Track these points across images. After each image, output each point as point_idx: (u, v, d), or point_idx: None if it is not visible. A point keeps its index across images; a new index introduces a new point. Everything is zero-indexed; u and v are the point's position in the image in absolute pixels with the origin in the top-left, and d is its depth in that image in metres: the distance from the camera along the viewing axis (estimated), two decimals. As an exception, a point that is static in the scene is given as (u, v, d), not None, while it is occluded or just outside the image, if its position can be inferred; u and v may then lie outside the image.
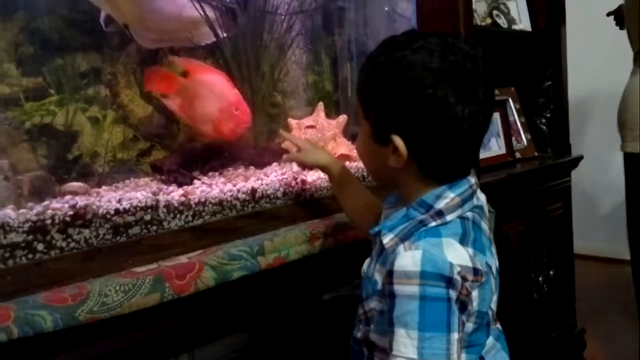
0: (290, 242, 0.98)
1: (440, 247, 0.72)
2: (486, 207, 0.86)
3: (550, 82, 1.99)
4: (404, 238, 0.75)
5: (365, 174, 1.23)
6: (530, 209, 1.72)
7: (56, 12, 1.02)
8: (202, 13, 1.10)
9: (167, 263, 0.84)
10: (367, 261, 0.85)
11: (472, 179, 0.81)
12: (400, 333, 0.69)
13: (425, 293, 0.69)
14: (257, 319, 0.99)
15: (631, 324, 2.37)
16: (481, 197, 0.84)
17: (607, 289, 2.88)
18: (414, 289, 0.69)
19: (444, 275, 0.70)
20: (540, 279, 1.73)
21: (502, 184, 1.60)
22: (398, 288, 0.71)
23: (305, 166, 1.08)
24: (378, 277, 0.78)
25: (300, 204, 1.10)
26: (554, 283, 1.81)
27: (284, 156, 1.07)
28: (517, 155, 1.89)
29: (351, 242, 1.08)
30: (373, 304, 0.79)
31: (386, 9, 1.47)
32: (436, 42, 0.75)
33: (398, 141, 0.75)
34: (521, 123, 1.97)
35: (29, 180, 0.86)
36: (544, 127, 2.02)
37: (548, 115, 2.01)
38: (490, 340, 0.81)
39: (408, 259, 0.71)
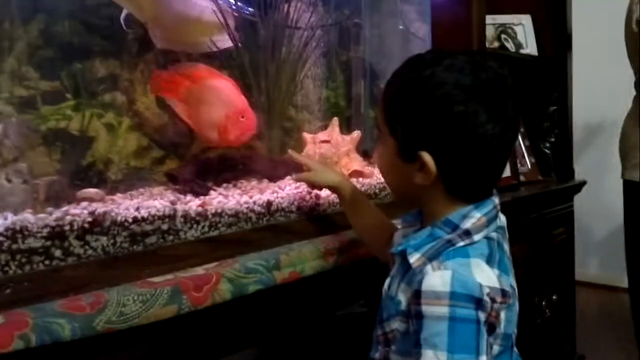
0: (305, 257, 0.97)
1: (469, 268, 0.71)
2: (506, 229, 0.85)
3: (555, 107, 2.01)
4: (431, 258, 0.74)
5: (377, 190, 1.23)
6: (535, 232, 1.72)
7: (76, 16, 1.01)
8: (221, 19, 1.09)
9: (184, 274, 0.82)
10: (387, 281, 0.83)
11: (496, 199, 0.81)
12: (428, 355, 0.68)
13: (455, 314, 0.68)
14: (270, 334, 0.98)
15: (626, 351, 2.37)
16: (502, 218, 0.84)
17: (602, 316, 2.88)
18: (443, 309, 0.68)
19: (473, 296, 0.69)
20: (543, 303, 1.72)
21: (508, 207, 1.59)
22: (426, 309, 0.69)
23: (315, 186, 1.07)
24: (402, 297, 0.76)
25: (314, 219, 1.09)
26: (556, 308, 1.80)
27: (294, 176, 1.06)
28: (522, 178, 1.89)
29: (363, 259, 1.07)
30: (396, 325, 0.77)
31: (401, 27, 1.48)
32: (465, 60, 0.75)
33: (427, 158, 0.74)
34: (525, 146, 1.98)
35: (46, 185, 0.84)
36: (548, 152, 2.03)
37: (552, 139, 2.03)
38: None
39: (437, 279, 0.70)
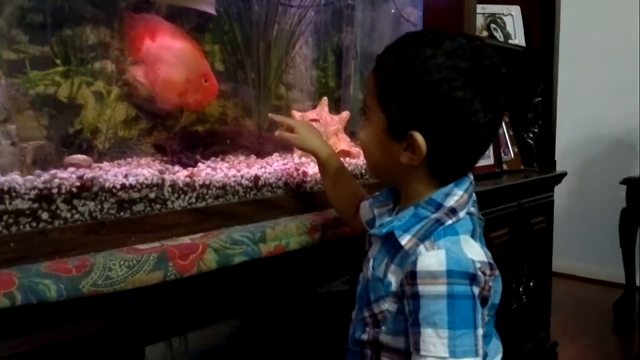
0: (291, 231, 0.98)
1: (459, 245, 0.73)
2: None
3: (540, 99, 2.03)
4: (423, 238, 0.75)
5: (364, 171, 1.24)
6: (515, 220, 1.74)
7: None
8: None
9: (170, 242, 0.83)
10: (370, 262, 0.83)
11: (470, 175, 0.83)
12: (428, 333, 0.69)
13: (454, 292, 0.69)
14: (253, 306, 0.99)
15: (600, 341, 2.44)
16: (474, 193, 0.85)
17: (576, 305, 2.94)
18: (441, 288, 0.69)
19: (468, 272, 0.70)
20: (520, 289, 1.76)
21: (490, 194, 1.62)
22: (423, 289, 0.70)
23: (297, 147, 1.06)
24: (393, 279, 0.77)
25: (300, 195, 1.10)
26: (532, 295, 1.84)
27: (277, 132, 1.04)
28: (504, 167, 1.92)
29: (348, 236, 1.08)
30: (386, 306, 0.78)
31: (393, 11, 1.48)
32: (466, 44, 0.75)
33: (419, 138, 0.75)
34: (509, 136, 2.01)
35: (33, 149, 0.84)
36: (531, 142, 2.06)
37: (536, 130, 2.06)
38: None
39: (432, 259, 0.71)
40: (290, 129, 1.03)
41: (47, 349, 0.72)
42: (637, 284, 2.71)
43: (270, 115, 1.09)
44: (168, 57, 0.97)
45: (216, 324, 0.92)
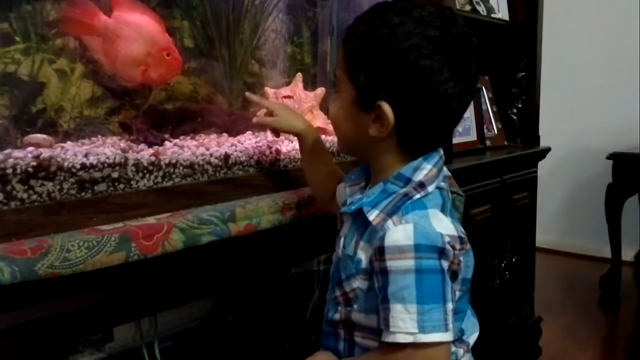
0: (262, 210, 0.96)
1: (428, 219, 0.72)
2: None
3: (523, 74, 2.01)
4: (390, 213, 0.73)
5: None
6: (497, 196, 1.74)
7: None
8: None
9: (134, 223, 0.81)
10: (341, 240, 0.82)
11: (440, 150, 0.81)
12: (397, 309, 0.68)
13: (422, 266, 0.68)
14: (224, 287, 0.97)
15: (585, 316, 2.45)
16: (445, 168, 0.84)
17: (563, 280, 2.96)
18: (409, 262, 0.68)
19: (436, 246, 0.69)
20: (503, 265, 1.76)
21: (471, 170, 1.61)
22: (391, 264, 0.69)
23: (278, 131, 1.03)
24: (363, 256, 0.76)
25: (274, 174, 1.08)
26: (515, 270, 1.84)
27: (255, 118, 1.00)
28: (488, 143, 1.91)
29: (322, 216, 1.06)
30: (357, 283, 0.77)
31: (369, -16, 1.44)
32: (435, 13, 0.73)
33: (387, 108, 0.73)
34: (493, 112, 1.99)
35: (-11, 129, 0.81)
36: (515, 118, 2.05)
37: (519, 106, 2.04)
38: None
39: (400, 234, 0.70)
40: (269, 112, 1.00)
41: (8, 330, 0.70)
42: (623, 258, 2.73)
43: (246, 94, 1.06)
44: (126, 31, 0.93)
45: (186, 304, 0.91)
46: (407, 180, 0.76)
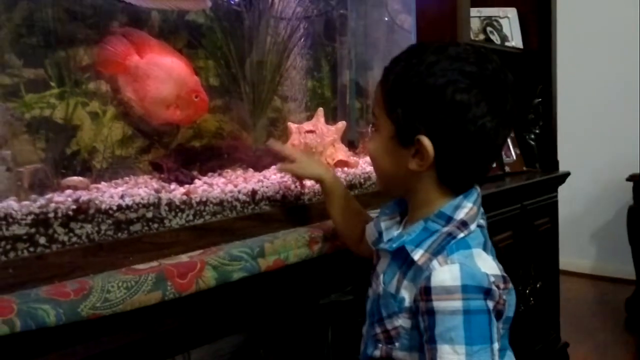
0: (290, 245, 0.98)
1: (473, 259, 0.73)
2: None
3: (540, 99, 2.03)
4: (435, 253, 0.74)
5: (362, 180, 1.24)
6: (518, 222, 1.74)
7: (60, 4, 1.00)
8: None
9: (168, 261, 0.83)
10: (381, 277, 0.82)
11: (478, 187, 0.82)
12: (445, 349, 0.69)
13: (469, 307, 0.69)
14: (255, 321, 0.99)
15: (612, 339, 2.41)
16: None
17: (587, 304, 2.92)
18: (456, 304, 0.69)
19: (483, 287, 0.70)
20: (527, 291, 1.75)
21: (492, 197, 1.61)
22: (438, 304, 0.70)
23: (299, 178, 1.07)
24: (406, 294, 0.76)
25: (299, 208, 1.10)
26: (540, 296, 1.83)
27: (278, 166, 1.05)
28: (507, 169, 1.91)
29: (347, 248, 1.08)
30: (400, 322, 0.77)
31: (386, 19, 1.48)
32: (470, 50, 0.76)
33: (426, 142, 0.74)
34: (511, 138, 2.00)
35: (29, 173, 0.84)
36: (533, 143, 2.06)
37: (537, 131, 2.05)
38: None
39: (446, 274, 0.71)
40: (290, 160, 1.04)
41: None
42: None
43: (268, 143, 1.11)
44: (157, 72, 0.97)
45: (218, 340, 0.92)
46: (449, 219, 0.77)
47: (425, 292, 0.71)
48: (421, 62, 0.75)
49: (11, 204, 0.72)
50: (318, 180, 1.04)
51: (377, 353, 0.81)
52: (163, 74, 0.99)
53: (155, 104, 1.00)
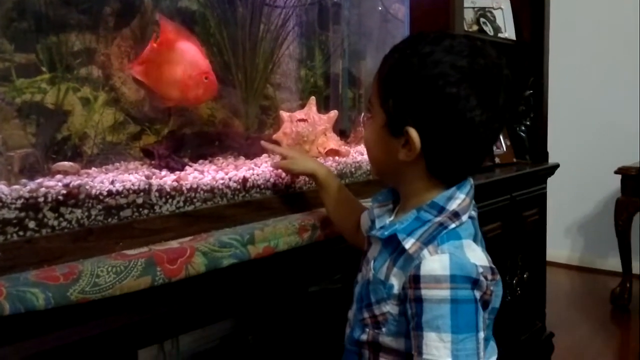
0: (279, 232, 0.99)
1: (462, 249, 0.74)
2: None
3: (531, 91, 2.04)
4: (426, 242, 0.75)
5: (353, 169, 1.25)
6: (507, 213, 1.75)
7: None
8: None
9: (159, 247, 0.84)
10: (371, 264, 0.83)
11: (471, 179, 0.83)
12: (431, 337, 0.70)
13: (457, 296, 0.70)
14: (244, 308, 0.99)
15: (597, 330, 2.45)
16: None
17: (574, 295, 2.96)
18: (444, 292, 0.70)
19: (471, 277, 0.71)
20: (514, 281, 1.77)
21: (481, 188, 1.63)
22: (427, 293, 0.71)
23: (293, 174, 1.09)
24: (395, 282, 0.77)
25: (290, 196, 1.10)
26: (527, 286, 1.85)
27: (271, 163, 1.08)
28: (497, 160, 1.93)
29: (337, 236, 1.09)
30: (388, 308, 0.78)
31: (380, 9, 1.48)
32: (466, 43, 0.76)
33: (413, 134, 0.75)
34: (501, 129, 2.02)
35: (20, 158, 0.84)
36: (523, 135, 2.07)
37: (528, 123, 2.06)
38: None
39: (436, 264, 0.72)
40: (283, 157, 1.06)
41: (38, 355, 0.72)
42: (634, 272, 2.73)
43: (262, 143, 1.12)
44: (172, 56, 1.00)
45: (207, 326, 0.93)
46: (441, 209, 0.78)
47: (414, 280, 0.72)
48: (415, 52, 0.76)
49: (1, 188, 0.73)
50: (311, 175, 1.05)
51: (364, 337, 0.82)
52: (179, 57, 1.01)
53: (168, 86, 1.03)
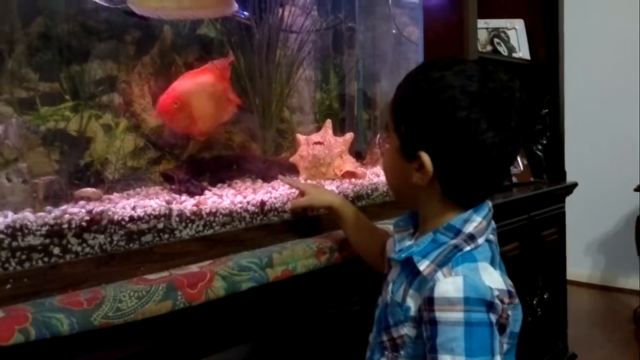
0: (297, 255, 0.99)
1: (477, 272, 0.73)
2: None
3: (547, 110, 2.04)
4: (441, 264, 0.75)
5: (369, 191, 1.25)
6: (526, 233, 1.74)
7: (75, 19, 1.03)
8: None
9: (179, 271, 0.85)
10: (390, 287, 0.84)
11: (489, 202, 0.83)
12: (446, 359, 0.70)
13: (471, 319, 0.70)
14: (263, 331, 1.00)
15: (620, 350, 2.40)
16: (492, 221, 0.86)
17: (596, 315, 2.91)
18: (458, 315, 0.70)
19: (485, 300, 0.71)
20: (534, 302, 1.75)
21: (499, 208, 1.61)
22: (440, 315, 0.71)
23: (313, 208, 1.10)
24: (412, 304, 0.77)
25: (307, 219, 1.11)
26: (547, 307, 1.82)
27: (292, 202, 1.08)
28: (514, 179, 1.92)
29: (355, 258, 1.09)
30: (405, 330, 0.78)
31: (394, 31, 1.50)
32: (476, 68, 0.77)
33: (425, 158, 0.76)
34: (518, 148, 2.01)
35: (44, 185, 0.86)
36: (540, 154, 2.06)
37: (544, 142, 2.06)
38: None
39: (449, 286, 0.72)
40: (301, 193, 1.08)
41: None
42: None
43: (279, 177, 1.14)
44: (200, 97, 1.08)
45: (226, 350, 0.93)
46: (457, 232, 0.78)
47: (429, 303, 0.72)
48: (425, 78, 0.77)
49: (27, 216, 0.74)
50: (329, 207, 1.06)
51: None
52: (205, 95, 1.10)
53: (206, 121, 1.11)
